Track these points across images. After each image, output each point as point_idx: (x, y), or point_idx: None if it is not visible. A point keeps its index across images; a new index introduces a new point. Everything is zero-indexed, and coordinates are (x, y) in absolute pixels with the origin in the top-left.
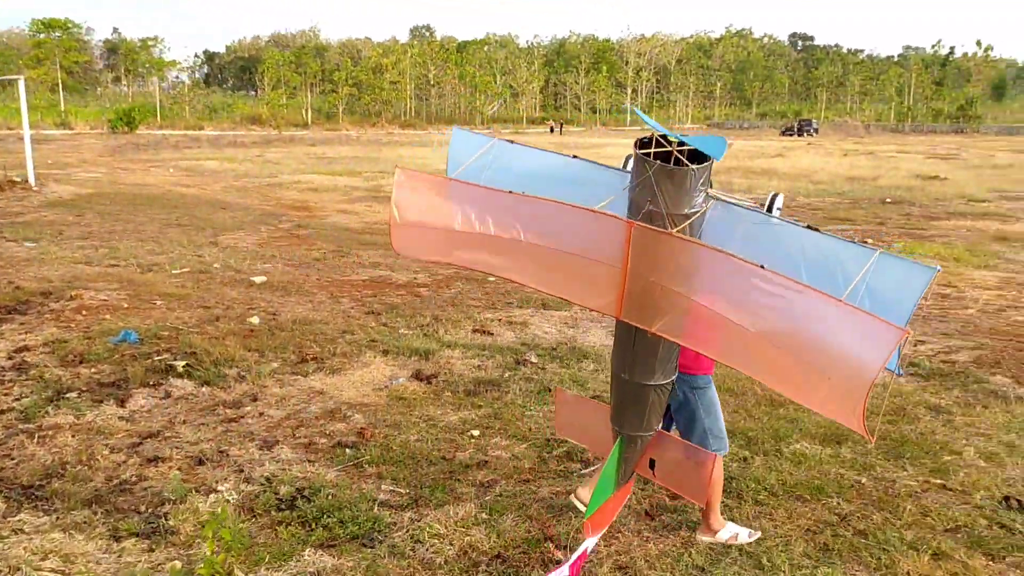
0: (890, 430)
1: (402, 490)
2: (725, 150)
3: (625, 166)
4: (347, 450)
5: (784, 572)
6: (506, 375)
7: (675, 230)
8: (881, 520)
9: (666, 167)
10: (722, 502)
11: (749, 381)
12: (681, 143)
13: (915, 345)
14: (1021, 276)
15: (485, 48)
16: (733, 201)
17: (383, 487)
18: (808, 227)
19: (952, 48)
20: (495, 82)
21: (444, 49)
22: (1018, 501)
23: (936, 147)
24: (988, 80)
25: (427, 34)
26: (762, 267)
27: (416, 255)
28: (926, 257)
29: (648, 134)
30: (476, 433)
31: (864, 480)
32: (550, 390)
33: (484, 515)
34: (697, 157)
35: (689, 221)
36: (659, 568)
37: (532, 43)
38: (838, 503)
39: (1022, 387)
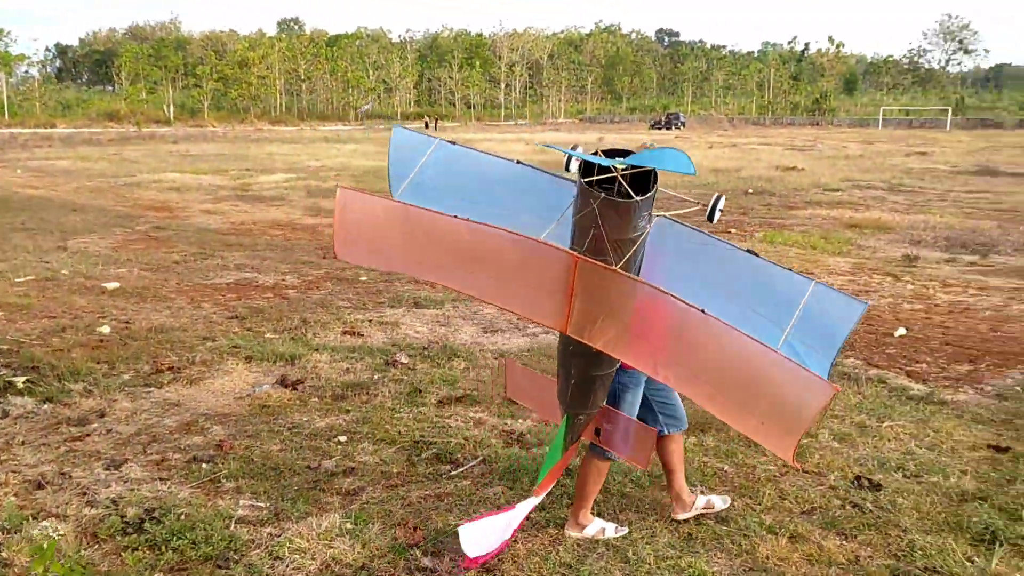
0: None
1: (262, 504)
2: (690, 164)
3: (567, 167)
4: (203, 465)
5: (649, 564)
6: (376, 377)
7: (619, 261)
8: (742, 506)
9: (611, 200)
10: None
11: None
12: (629, 165)
13: None
14: (871, 262)
15: (357, 42)
16: (675, 220)
17: (242, 502)
18: (748, 251)
19: (807, 44)
20: (368, 77)
21: (314, 43)
22: (868, 480)
23: (794, 139)
24: (840, 75)
25: (296, 27)
26: (703, 311)
27: (358, 263)
28: (785, 245)
29: (596, 151)
30: (343, 439)
31: (727, 467)
32: (420, 391)
33: (349, 525)
34: (642, 180)
35: (634, 245)
36: (527, 568)
37: (405, 38)
38: (702, 492)
39: (872, 369)
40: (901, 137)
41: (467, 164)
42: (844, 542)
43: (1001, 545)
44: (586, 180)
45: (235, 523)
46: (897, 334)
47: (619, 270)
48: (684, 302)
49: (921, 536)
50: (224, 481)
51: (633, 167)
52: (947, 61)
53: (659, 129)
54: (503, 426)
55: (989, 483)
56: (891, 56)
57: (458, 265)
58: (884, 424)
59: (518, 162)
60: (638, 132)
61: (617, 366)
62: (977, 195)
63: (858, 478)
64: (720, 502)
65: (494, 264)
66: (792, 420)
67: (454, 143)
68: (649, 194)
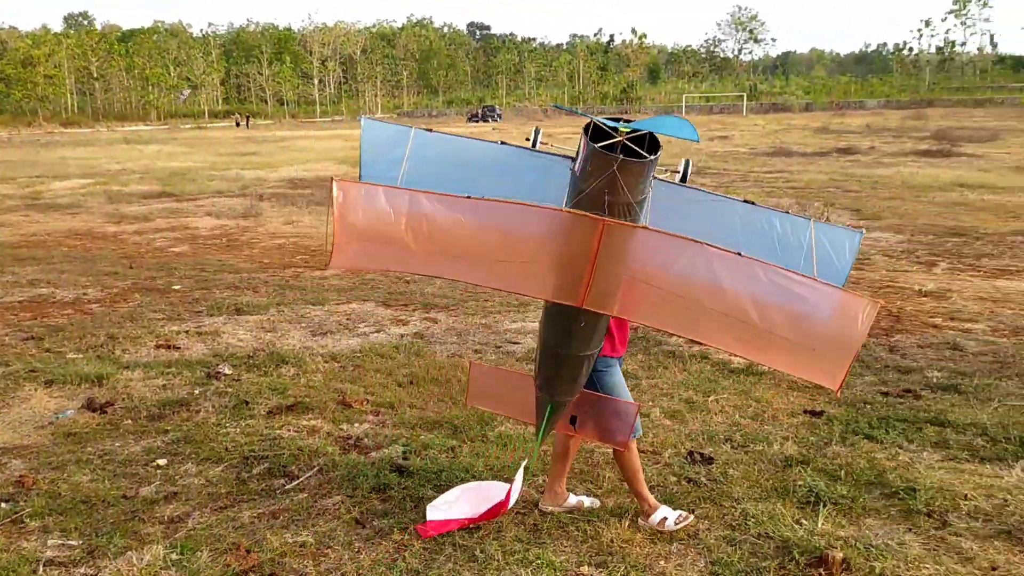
0: None
1: (74, 542)
2: (695, 131)
3: (534, 144)
4: (2, 505)
5: (498, 560)
6: (196, 392)
7: (635, 219)
8: (584, 492)
9: (630, 161)
10: (425, 498)
11: (453, 369)
12: (634, 130)
13: None
14: None
15: (154, 38)
16: (664, 179)
17: (50, 542)
18: (745, 201)
19: (612, 36)
20: (169, 74)
21: (105, 39)
22: (700, 454)
23: None
24: (644, 65)
25: (85, 23)
26: (739, 254)
27: (355, 267)
28: None
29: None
30: (163, 462)
31: (549, 449)
32: (247, 403)
33: (175, 555)
34: (640, 145)
35: (643, 209)
36: None
37: (207, 32)
38: (544, 481)
39: (695, 345)
40: (703, 123)
41: (448, 152)
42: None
43: (824, 505)
44: (603, 144)
45: (43, 566)
46: None
47: (651, 227)
48: (720, 248)
49: (752, 504)
50: (28, 521)
51: (640, 132)
52: (740, 50)
53: (476, 122)
54: (339, 432)
55: (809, 447)
56: (690, 46)
57: (468, 252)
58: (710, 398)
59: (502, 143)
60: (456, 126)
61: (601, 344)
62: (775, 174)
63: (691, 453)
64: (589, 502)
65: (509, 244)
66: (842, 345)
67: (430, 130)
68: (659, 154)
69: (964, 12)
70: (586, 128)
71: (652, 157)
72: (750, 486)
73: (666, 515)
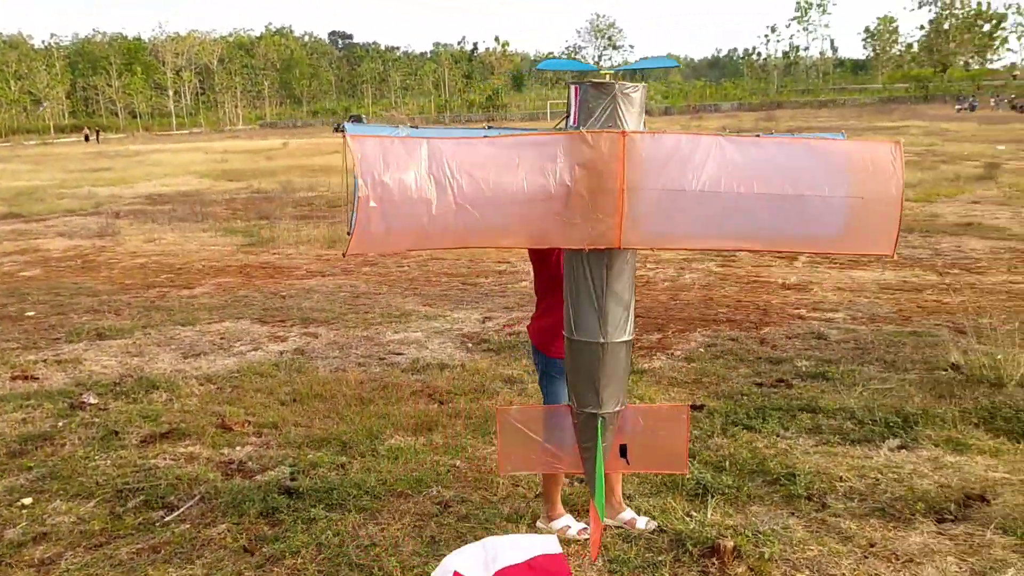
0: (473, 408)
1: None
2: (672, 60)
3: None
4: None
5: (397, 575)
6: (60, 424)
7: None
8: (480, 499)
9: (627, 86)
10: (317, 518)
11: (337, 384)
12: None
13: (483, 321)
14: None
15: None
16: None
17: None
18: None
19: (476, 44)
20: (10, 89)
21: None
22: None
23: None
24: (508, 72)
25: None
26: (758, 135)
27: (377, 249)
28: None
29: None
30: (27, 501)
31: (459, 463)
32: (117, 432)
33: None
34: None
35: None
36: None
37: (50, 43)
38: (438, 491)
39: None
40: None
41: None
42: (579, 518)
43: (712, 496)
44: (597, 81)
45: None
46: None
47: (668, 130)
48: (737, 135)
49: (645, 500)
50: None
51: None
52: (600, 57)
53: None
54: (220, 457)
55: (693, 440)
56: (552, 53)
57: (494, 200)
58: None
59: (488, 127)
60: (323, 136)
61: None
62: None
63: None
64: (643, 523)
65: (534, 182)
66: (886, 196)
67: (416, 127)
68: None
69: (806, 19)
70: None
71: (643, 84)
72: (640, 482)
73: (568, 524)
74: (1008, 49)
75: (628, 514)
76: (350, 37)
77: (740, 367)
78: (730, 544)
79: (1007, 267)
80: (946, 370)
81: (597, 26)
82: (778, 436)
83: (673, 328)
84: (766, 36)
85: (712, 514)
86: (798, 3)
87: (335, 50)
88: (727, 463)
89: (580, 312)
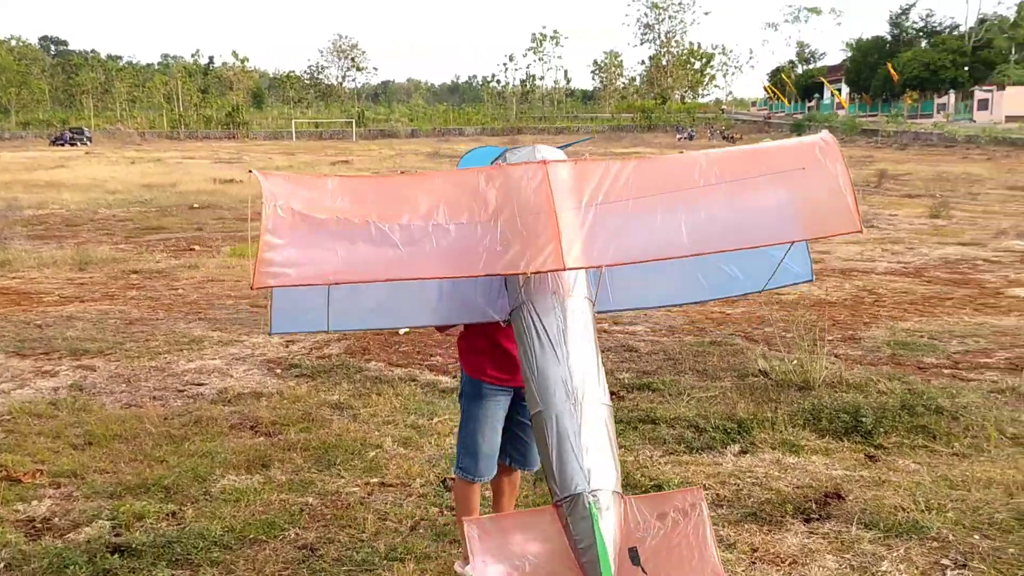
0: (309, 439)
1: None
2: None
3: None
4: None
5: None
6: None
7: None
8: (348, 539)
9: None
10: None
11: (137, 421)
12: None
13: (286, 346)
14: None
15: None
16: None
17: None
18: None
19: (211, 58)
20: None
21: None
22: (454, 480)
23: (218, 152)
24: (248, 89)
25: None
26: (681, 151)
27: (288, 282)
28: (254, 257)
29: None
30: None
31: (310, 500)
32: None
33: None
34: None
35: None
36: None
37: None
38: (297, 534)
39: (396, 368)
40: (318, 148)
41: None
42: (455, 546)
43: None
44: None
45: None
46: (402, 331)
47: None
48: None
49: None
50: None
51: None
52: (343, 77)
53: (62, 145)
54: (15, 515)
55: None
56: (293, 72)
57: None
58: (435, 421)
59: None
60: (39, 150)
61: None
62: None
63: (443, 480)
64: None
65: (452, 214)
66: (835, 186)
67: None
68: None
69: (541, 50)
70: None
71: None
72: (516, 505)
73: None
74: (715, 85)
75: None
76: (65, 43)
77: None
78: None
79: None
80: (757, 376)
81: (340, 47)
82: (625, 448)
83: None
84: (504, 65)
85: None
86: (533, 35)
87: (47, 57)
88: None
89: (544, 375)
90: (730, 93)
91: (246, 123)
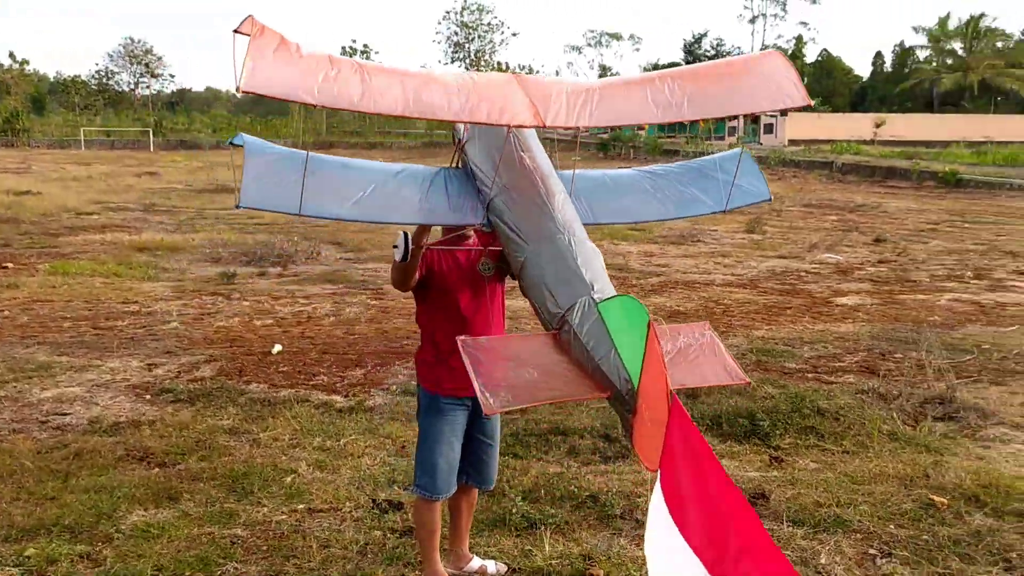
0: (212, 467)
1: None
2: None
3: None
4: None
5: None
6: None
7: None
8: (296, 570)
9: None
10: None
11: (7, 458)
12: None
13: (150, 369)
14: (192, 284)
15: None
16: None
17: None
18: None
19: None
20: None
21: None
22: (387, 502)
23: (3, 160)
24: (27, 94)
25: None
26: None
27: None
28: (83, 275)
29: None
30: None
31: (239, 531)
32: None
33: None
34: None
35: None
36: None
37: None
38: (236, 568)
39: (282, 390)
40: (113, 158)
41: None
42: (407, 570)
43: (539, 528)
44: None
45: None
46: (275, 351)
47: None
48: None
49: (473, 540)
50: None
51: None
52: (136, 84)
53: None
54: None
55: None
56: (79, 76)
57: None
58: (344, 442)
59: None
60: None
61: None
62: (233, 212)
63: (375, 503)
64: (493, 567)
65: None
66: (781, 71)
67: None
68: None
69: None
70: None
71: None
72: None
73: None
74: None
75: (477, 562)
76: None
77: None
78: (600, 572)
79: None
80: None
81: (132, 51)
82: (547, 461)
83: (371, 363)
84: None
85: (550, 547)
86: (344, 48)
87: None
88: (541, 492)
89: (535, 223)
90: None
91: (27, 130)
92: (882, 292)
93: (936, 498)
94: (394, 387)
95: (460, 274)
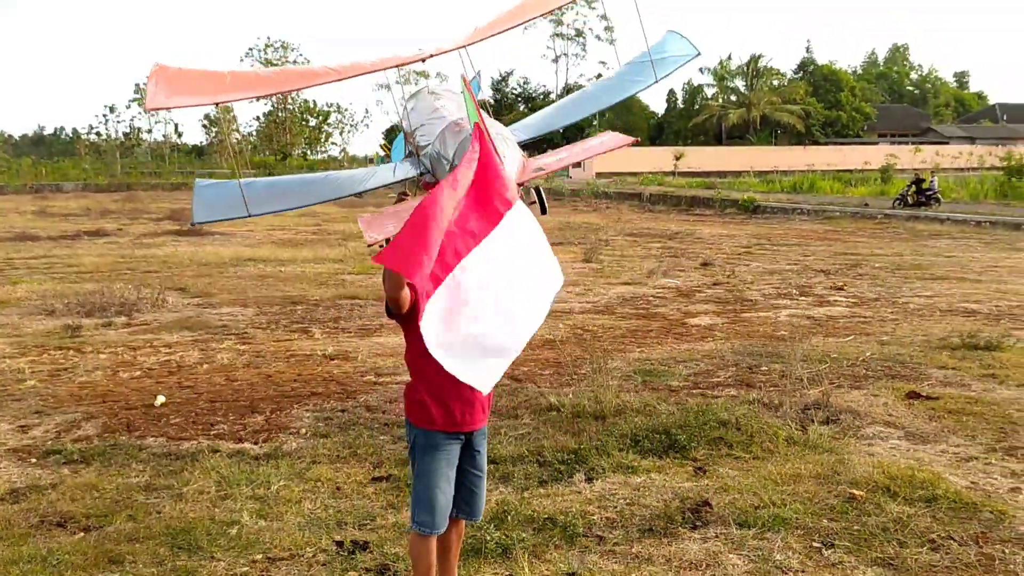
0: (144, 527)
1: None
2: None
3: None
4: None
5: None
6: None
7: None
8: None
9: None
10: None
11: None
12: None
13: (24, 431)
14: (35, 339)
15: None
16: None
17: None
18: None
19: None
20: None
21: None
22: (353, 542)
23: None
24: None
25: None
26: None
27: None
28: None
29: None
30: None
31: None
32: None
33: None
34: None
35: None
36: None
37: None
38: None
39: (187, 441)
40: None
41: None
42: None
43: (512, 552)
44: None
45: None
46: (158, 403)
47: None
48: None
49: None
50: None
51: None
52: None
53: None
54: None
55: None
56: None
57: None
58: (275, 488)
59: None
60: None
61: None
62: (49, 258)
63: (340, 544)
64: None
65: None
66: None
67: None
68: None
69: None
70: None
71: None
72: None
73: None
74: (333, 143)
75: None
76: None
77: (387, 432)
78: None
79: None
80: (552, 411)
81: None
82: (488, 489)
83: (268, 407)
84: (104, 116)
85: (531, 570)
86: (137, 85)
87: None
88: (507, 518)
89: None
90: (343, 151)
91: None
92: (727, 312)
93: (855, 492)
94: (304, 431)
95: None
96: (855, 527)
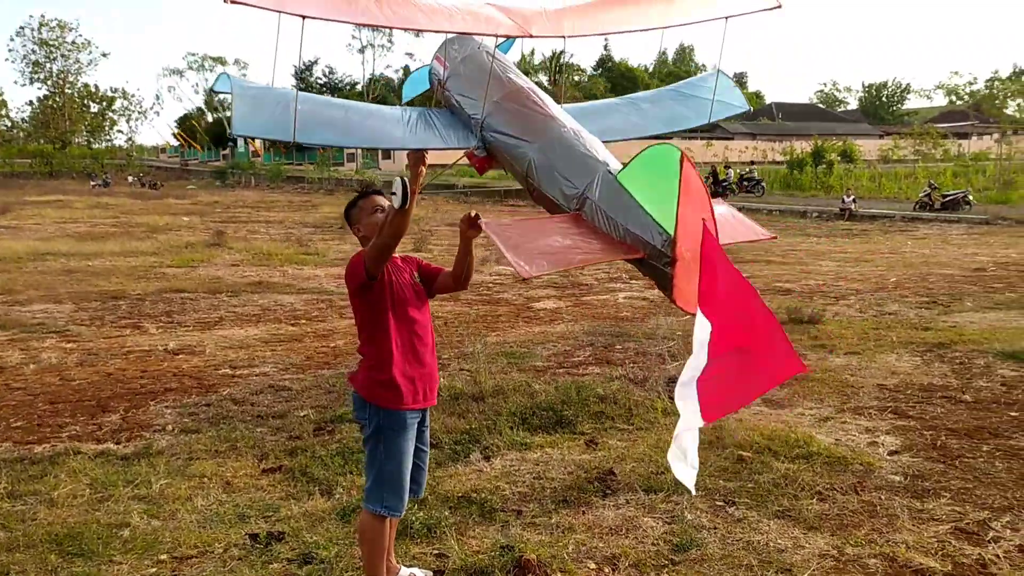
0: (30, 535)
1: None
2: None
3: None
4: None
5: None
6: None
7: None
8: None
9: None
10: None
11: None
12: None
13: None
14: None
15: None
16: None
17: None
18: None
19: None
20: None
21: None
22: (269, 534)
23: None
24: None
25: None
26: None
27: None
28: None
29: None
30: None
31: None
32: None
33: None
34: None
35: None
36: None
37: None
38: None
39: (35, 446)
40: None
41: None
42: None
43: (440, 530)
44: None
45: None
46: None
47: None
48: None
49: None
50: None
51: None
52: None
53: None
54: None
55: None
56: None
57: None
58: (157, 487)
59: None
60: None
61: None
62: None
63: (252, 536)
64: (421, 574)
65: None
66: None
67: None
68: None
69: None
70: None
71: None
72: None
73: None
74: (119, 131)
75: (405, 571)
76: None
77: (263, 424)
78: (533, 557)
79: (337, 315)
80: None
81: None
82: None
83: (121, 407)
84: None
85: (460, 547)
86: None
87: None
88: (426, 499)
89: (541, 125)
90: (130, 139)
91: None
92: (567, 296)
93: (743, 453)
94: (170, 427)
95: (412, 291)
96: (750, 485)
